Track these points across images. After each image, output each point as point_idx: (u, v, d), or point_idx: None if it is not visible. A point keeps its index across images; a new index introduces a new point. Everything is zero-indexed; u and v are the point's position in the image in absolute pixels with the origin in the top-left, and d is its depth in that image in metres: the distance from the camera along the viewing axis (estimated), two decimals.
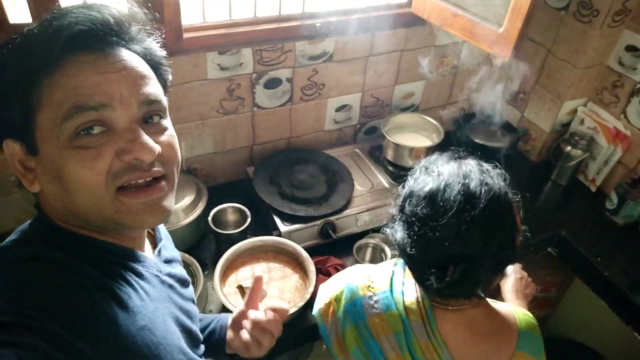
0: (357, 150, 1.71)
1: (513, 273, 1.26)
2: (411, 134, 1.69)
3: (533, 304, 1.28)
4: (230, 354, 0.95)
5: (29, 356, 0.48)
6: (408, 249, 0.84)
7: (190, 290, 0.84)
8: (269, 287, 1.29)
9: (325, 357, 1.79)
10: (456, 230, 0.78)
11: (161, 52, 0.66)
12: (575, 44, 1.63)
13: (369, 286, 0.94)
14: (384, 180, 1.59)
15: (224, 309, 1.25)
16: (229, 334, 0.92)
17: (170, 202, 0.65)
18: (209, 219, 1.37)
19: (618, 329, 1.78)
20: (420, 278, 0.86)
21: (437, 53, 1.73)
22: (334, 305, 0.98)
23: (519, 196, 0.85)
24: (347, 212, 1.46)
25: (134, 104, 0.59)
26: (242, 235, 1.37)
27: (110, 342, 0.57)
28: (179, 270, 0.82)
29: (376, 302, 0.91)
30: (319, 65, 1.54)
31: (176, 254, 0.86)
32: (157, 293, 0.69)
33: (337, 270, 1.37)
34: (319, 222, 1.42)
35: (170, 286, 0.74)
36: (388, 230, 0.90)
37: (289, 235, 1.38)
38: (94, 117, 0.56)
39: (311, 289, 1.25)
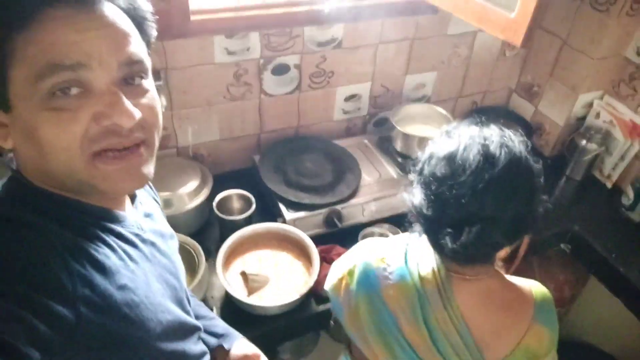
0: (365, 141, 1.68)
1: None
2: (421, 126, 1.65)
3: None
4: None
5: (9, 328, 0.46)
6: (424, 210, 0.82)
7: (174, 244, 0.82)
8: (272, 274, 1.26)
9: (331, 347, 1.77)
10: (473, 188, 0.76)
11: (147, 6, 0.62)
12: (591, 34, 1.59)
13: (383, 258, 0.92)
14: (392, 171, 1.56)
15: (227, 295, 1.23)
16: None
17: (149, 169, 0.62)
18: (214, 204, 1.35)
19: (636, 332, 1.72)
20: (435, 240, 0.84)
21: (449, 43, 1.70)
22: (347, 279, 0.96)
23: (540, 163, 0.84)
24: (353, 201, 1.43)
25: (114, 65, 0.55)
26: (247, 222, 1.35)
27: (89, 304, 0.55)
28: (160, 225, 0.79)
29: (390, 273, 0.89)
30: (328, 52, 1.52)
31: (156, 207, 0.83)
32: (139, 253, 0.67)
33: None
34: (324, 210, 1.39)
35: (152, 243, 0.72)
36: (406, 195, 0.89)
37: (293, 222, 1.36)
38: (70, 77, 0.53)
39: (315, 277, 1.22)
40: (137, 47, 0.58)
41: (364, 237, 1.35)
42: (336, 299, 0.98)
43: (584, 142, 1.68)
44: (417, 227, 0.88)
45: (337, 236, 1.40)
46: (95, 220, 0.63)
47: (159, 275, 0.70)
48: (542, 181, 0.83)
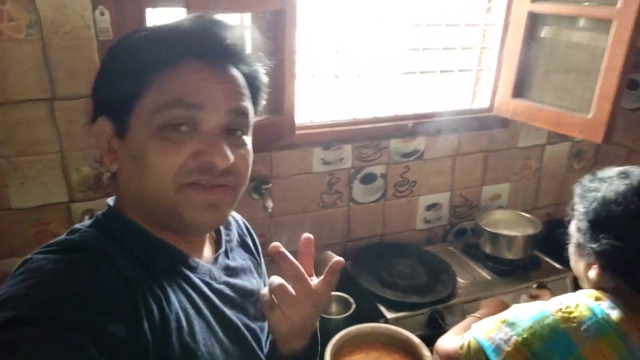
0: (450, 248, 1.70)
1: None
2: (506, 231, 1.66)
3: None
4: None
5: (66, 352, 0.47)
6: (626, 249, 0.84)
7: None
8: None
9: None
10: None
11: (264, 79, 0.72)
12: None
13: (569, 317, 0.86)
14: (485, 274, 1.54)
15: None
16: None
17: (228, 212, 0.68)
18: None
19: None
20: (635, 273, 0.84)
21: (520, 155, 1.81)
22: (524, 350, 0.87)
23: None
24: (453, 301, 1.39)
25: (223, 111, 0.63)
26: (346, 323, 1.32)
27: (148, 337, 0.57)
28: (245, 282, 0.78)
29: (586, 329, 0.84)
30: (411, 163, 1.64)
31: (248, 265, 0.83)
32: (205, 301, 0.68)
33: None
34: (426, 310, 1.35)
35: (224, 296, 0.72)
36: (582, 251, 0.93)
37: (395, 322, 1.32)
38: (185, 115, 0.61)
39: None
40: (246, 104, 0.68)
41: None
42: None
43: None
44: (596, 274, 0.90)
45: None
46: (169, 260, 0.67)
47: (224, 328, 0.70)
48: None
